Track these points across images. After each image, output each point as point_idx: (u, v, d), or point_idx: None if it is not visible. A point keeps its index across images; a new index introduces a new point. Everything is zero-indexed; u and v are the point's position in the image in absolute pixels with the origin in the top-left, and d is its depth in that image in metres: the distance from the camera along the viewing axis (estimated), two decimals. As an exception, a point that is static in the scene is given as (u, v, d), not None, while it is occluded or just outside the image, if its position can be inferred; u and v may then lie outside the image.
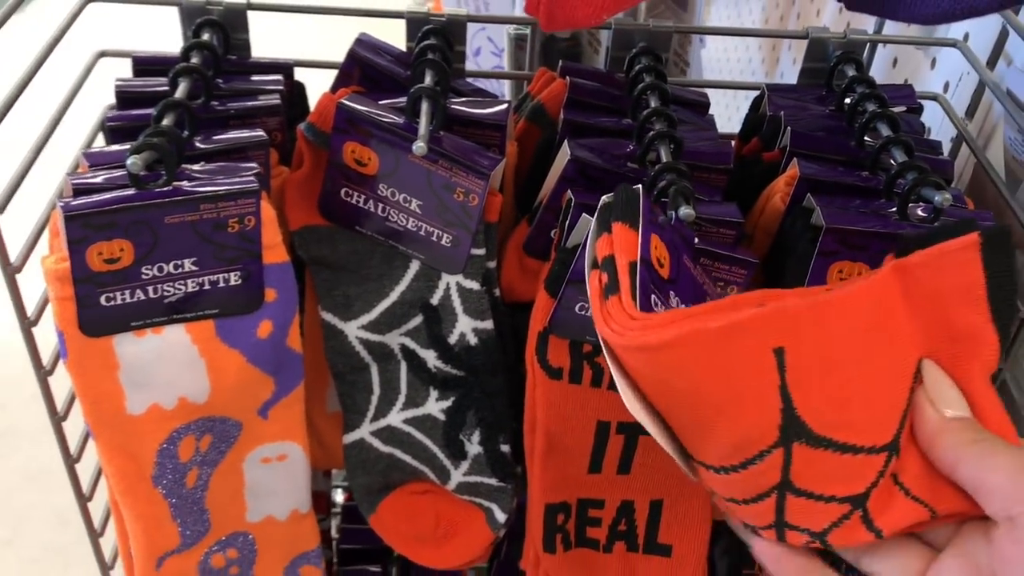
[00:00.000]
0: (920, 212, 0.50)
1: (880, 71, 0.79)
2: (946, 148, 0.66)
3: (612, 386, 0.54)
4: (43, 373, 0.56)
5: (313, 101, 0.58)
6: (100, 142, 0.57)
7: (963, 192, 0.59)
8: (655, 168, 0.50)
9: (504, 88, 1.09)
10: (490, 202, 0.53)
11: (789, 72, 1.02)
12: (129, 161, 0.46)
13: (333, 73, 0.60)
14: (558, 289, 0.52)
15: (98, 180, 0.49)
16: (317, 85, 0.61)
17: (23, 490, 1.54)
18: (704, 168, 0.54)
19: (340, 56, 0.59)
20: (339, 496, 0.89)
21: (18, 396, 1.68)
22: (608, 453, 0.57)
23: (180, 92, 0.52)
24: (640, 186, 0.42)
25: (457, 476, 0.61)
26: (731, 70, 1.17)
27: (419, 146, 0.49)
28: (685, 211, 0.46)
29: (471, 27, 0.61)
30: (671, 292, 0.46)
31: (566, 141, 0.53)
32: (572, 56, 0.62)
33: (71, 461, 0.61)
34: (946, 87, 0.71)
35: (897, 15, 0.44)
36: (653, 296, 0.47)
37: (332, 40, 0.63)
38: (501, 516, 0.61)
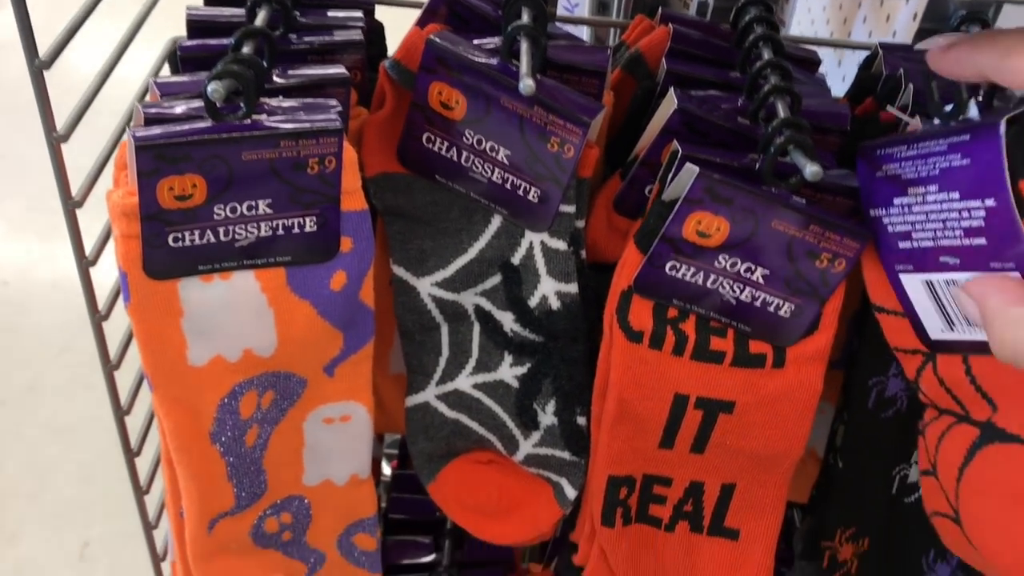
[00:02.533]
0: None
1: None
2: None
3: (695, 356, 0.50)
4: (98, 318, 0.53)
5: (392, 43, 0.54)
6: (166, 74, 0.54)
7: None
8: (772, 124, 0.46)
9: (583, 35, 1.04)
10: (586, 155, 0.50)
11: (860, 34, 0.98)
12: (210, 88, 0.42)
13: (414, 16, 0.56)
14: (649, 244, 0.48)
15: (171, 110, 0.45)
16: (396, 26, 0.57)
17: (48, 445, 1.53)
18: (818, 129, 0.50)
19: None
20: (386, 468, 0.85)
21: (45, 352, 1.66)
22: (683, 429, 0.53)
23: (259, 21, 0.48)
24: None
25: (527, 447, 0.57)
26: (822, 31, 1.13)
27: (527, 84, 0.45)
28: (812, 169, 0.42)
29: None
30: (720, 256, 0.48)
31: (672, 90, 0.49)
32: (661, 7, 0.58)
33: (120, 414, 0.57)
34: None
35: None
36: (673, 263, 0.48)
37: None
38: (571, 492, 0.58)
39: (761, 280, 0.49)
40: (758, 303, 0.50)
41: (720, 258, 0.48)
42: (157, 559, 0.66)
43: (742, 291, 0.49)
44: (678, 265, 0.48)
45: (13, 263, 1.80)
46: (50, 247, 1.80)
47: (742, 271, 0.49)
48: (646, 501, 0.57)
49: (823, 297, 0.49)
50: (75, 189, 0.48)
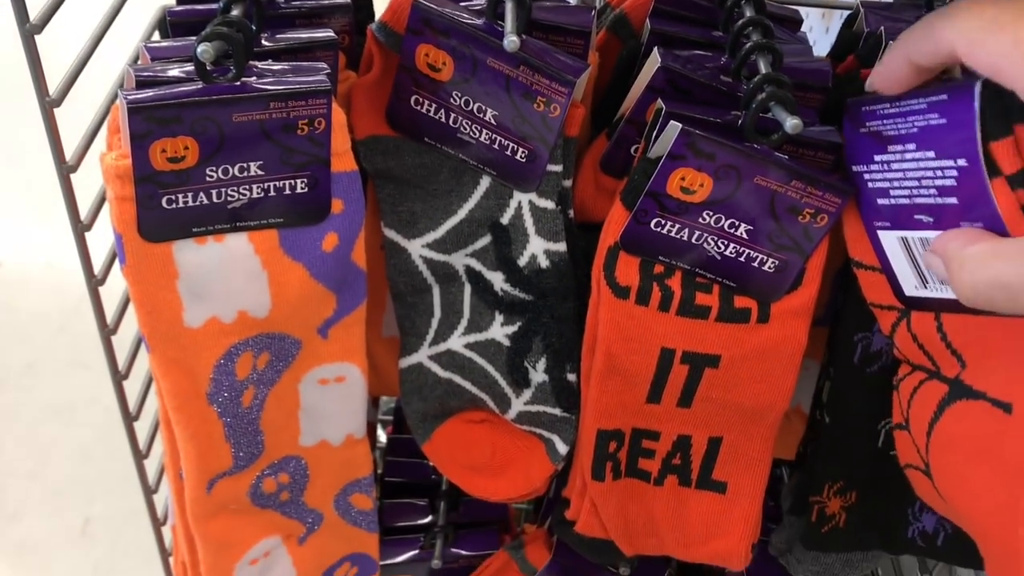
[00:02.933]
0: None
1: None
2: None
3: (681, 312, 0.51)
4: (94, 283, 0.53)
5: (380, 7, 0.55)
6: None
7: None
8: (753, 80, 0.47)
9: None
10: (572, 114, 0.50)
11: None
12: (199, 49, 0.43)
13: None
14: (635, 201, 0.49)
15: (162, 73, 0.46)
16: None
17: (47, 424, 1.53)
18: (800, 87, 0.51)
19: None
20: (381, 435, 0.86)
21: (43, 331, 1.66)
22: (670, 383, 0.54)
23: (247, -15, 0.49)
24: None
25: (518, 405, 0.58)
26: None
27: (511, 40, 0.45)
28: (792, 122, 0.43)
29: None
30: (704, 212, 0.49)
31: (656, 49, 0.50)
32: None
33: (119, 378, 0.58)
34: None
35: None
36: (658, 219, 0.49)
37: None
38: (562, 448, 0.59)
39: (745, 236, 0.50)
40: (743, 259, 0.50)
41: (704, 214, 0.49)
42: (158, 524, 0.68)
43: (727, 247, 0.50)
44: (663, 221, 0.49)
45: (9, 243, 1.80)
46: (46, 228, 1.80)
47: (726, 227, 0.49)
48: (635, 455, 0.58)
49: (806, 252, 0.50)
50: (69, 157, 0.49)
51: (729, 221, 0.49)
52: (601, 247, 0.51)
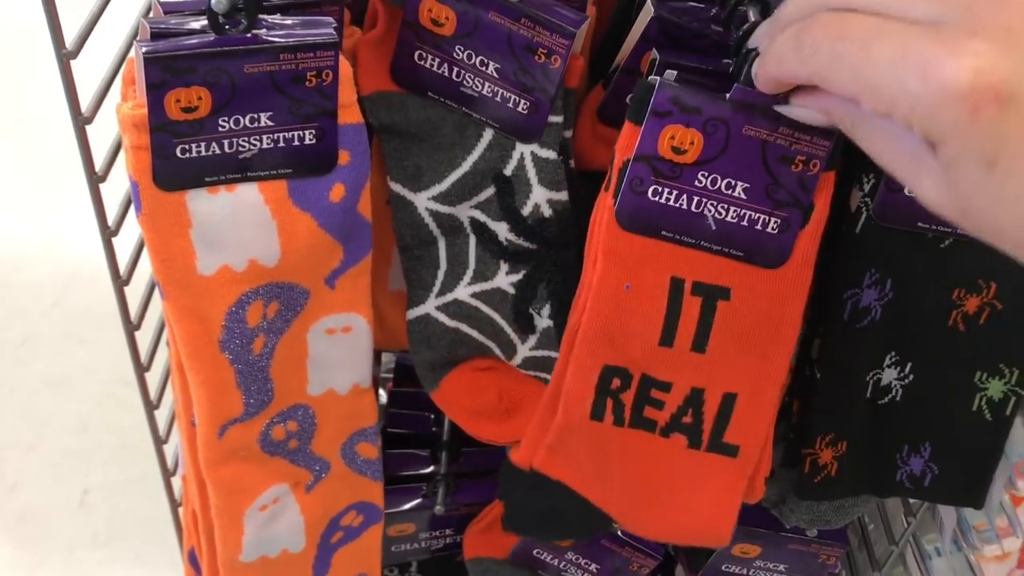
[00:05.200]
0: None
1: None
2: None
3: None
4: (108, 233, 0.55)
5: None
6: None
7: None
8: (742, 28, 0.48)
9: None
10: (572, 65, 0.52)
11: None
12: (213, 1, 0.44)
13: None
14: (642, 114, 0.49)
15: (174, 25, 0.47)
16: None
17: (44, 396, 1.54)
18: (792, 35, 0.52)
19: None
20: (382, 393, 0.88)
21: (39, 304, 1.67)
22: (683, 320, 0.53)
23: (255, -60, 0.50)
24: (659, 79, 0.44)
25: (524, 351, 0.60)
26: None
27: (514, -9, 0.47)
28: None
29: None
30: (699, 172, 0.49)
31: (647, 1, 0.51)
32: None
33: (131, 328, 0.60)
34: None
35: None
36: (655, 186, 0.49)
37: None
38: (565, 393, 0.60)
39: (743, 196, 0.50)
40: (745, 222, 0.51)
41: (699, 175, 0.50)
42: (168, 473, 0.69)
43: (727, 211, 0.50)
44: (660, 188, 0.50)
45: (6, 219, 1.80)
46: (41, 203, 1.80)
47: (723, 188, 0.50)
48: (642, 403, 0.57)
49: (805, 205, 0.51)
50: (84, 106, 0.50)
51: (725, 181, 0.50)
52: (617, 163, 0.51)
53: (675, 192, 0.50)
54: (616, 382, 0.56)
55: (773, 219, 0.51)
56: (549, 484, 0.61)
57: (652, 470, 0.59)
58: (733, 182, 0.50)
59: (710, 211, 0.51)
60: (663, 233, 0.51)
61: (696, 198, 0.50)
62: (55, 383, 1.57)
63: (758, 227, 0.51)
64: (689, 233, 0.51)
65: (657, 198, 0.50)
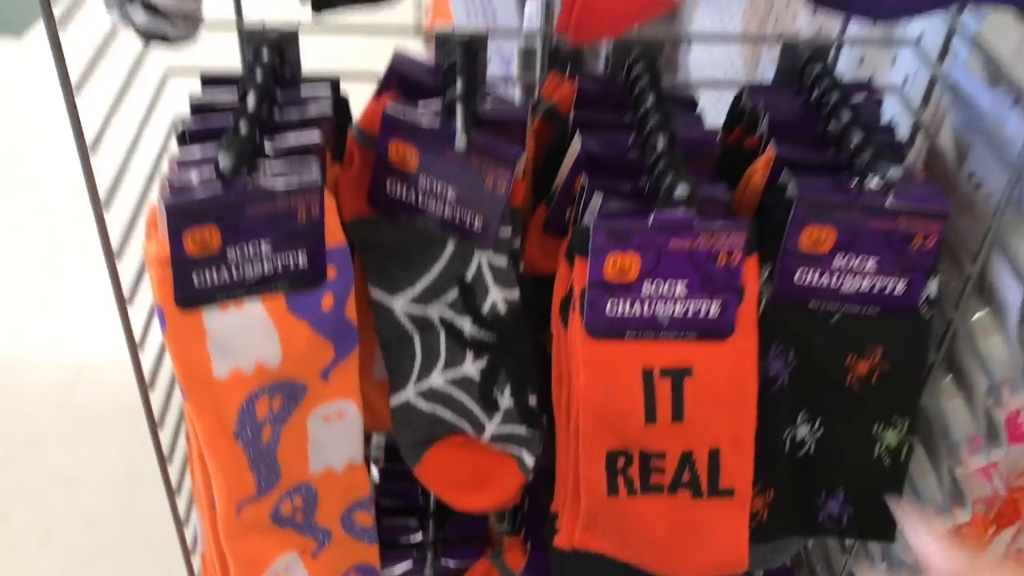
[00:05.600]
0: (875, 184, 0.60)
1: (849, 70, 0.89)
2: (906, 133, 0.76)
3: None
4: (133, 347, 0.65)
5: (353, 108, 0.67)
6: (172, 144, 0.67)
7: (917, 168, 0.69)
8: (653, 155, 0.60)
9: (515, 92, 1.19)
10: (515, 188, 0.63)
11: (770, 72, 1.12)
12: (221, 162, 0.56)
13: (367, 86, 0.70)
14: (572, 261, 0.61)
15: (188, 178, 0.58)
16: (356, 95, 0.71)
17: (53, 495, 1.61)
18: (694, 154, 0.64)
19: (377, 70, 0.69)
20: (374, 470, 0.98)
21: (43, 407, 1.74)
22: (659, 400, 0.62)
23: (250, 103, 0.62)
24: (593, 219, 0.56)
25: (491, 428, 0.71)
26: (716, 71, 1.27)
27: (460, 142, 0.59)
28: (681, 190, 0.56)
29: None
30: (643, 284, 0.60)
31: (578, 132, 0.63)
32: (575, 62, 0.71)
33: (154, 426, 0.70)
34: (905, 80, 0.81)
35: (854, 9, 0.54)
36: (611, 302, 0.60)
37: (372, 56, 0.72)
38: (530, 461, 0.71)
39: (684, 292, 0.61)
40: (690, 313, 0.62)
41: (644, 285, 0.60)
42: (187, 551, 0.79)
43: (674, 307, 0.61)
44: (615, 303, 0.60)
45: (8, 323, 1.88)
46: (45, 305, 1.89)
47: (665, 291, 0.61)
48: (647, 473, 0.66)
49: (737, 287, 0.61)
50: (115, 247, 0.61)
51: (666, 285, 0.60)
52: (555, 298, 0.63)
53: (628, 303, 0.61)
54: (620, 462, 0.66)
55: (713, 304, 0.61)
56: (592, 557, 0.70)
57: (670, 524, 0.68)
58: (673, 283, 0.60)
59: (660, 311, 0.61)
60: (627, 335, 0.62)
61: (646, 303, 0.61)
62: (63, 482, 1.64)
63: (702, 314, 0.62)
64: (647, 330, 0.62)
65: (615, 311, 0.61)
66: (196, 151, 0.62)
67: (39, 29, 0.60)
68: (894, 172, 0.59)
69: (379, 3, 0.65)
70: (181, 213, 0.57)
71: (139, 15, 0.49)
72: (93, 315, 1.75)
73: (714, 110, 0.81)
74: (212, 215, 0.58)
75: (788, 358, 0.66)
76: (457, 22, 1.03)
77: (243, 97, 0.63)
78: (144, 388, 0.68)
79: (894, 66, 0.84)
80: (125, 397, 0.69)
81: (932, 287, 0.63)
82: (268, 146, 0.62)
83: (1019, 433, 0.71)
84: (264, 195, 0.58)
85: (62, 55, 0.56)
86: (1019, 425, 0.69)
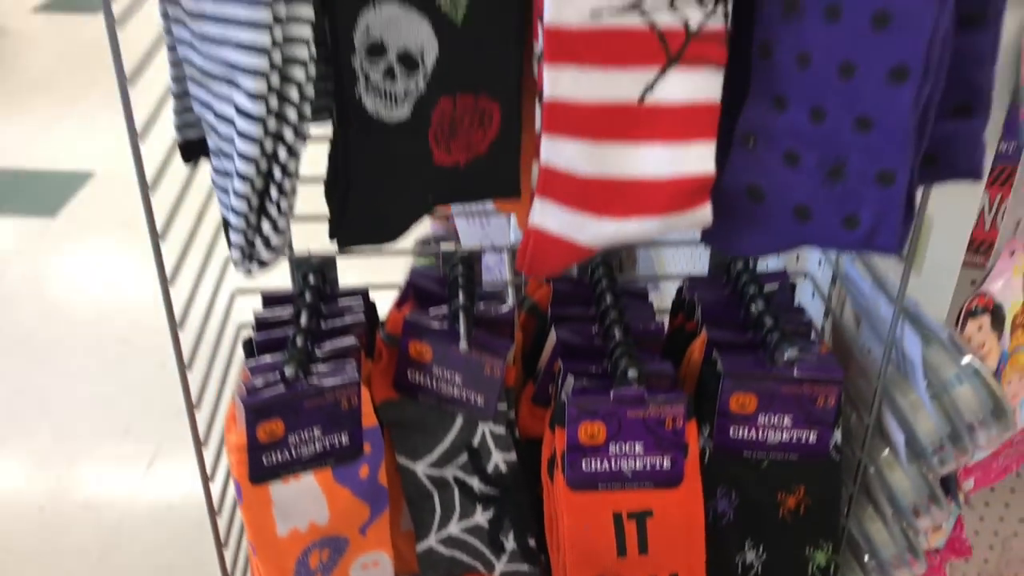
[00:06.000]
0: (785, 358, 0.78)
1: (772, 258, 1.07)
2: (822, 308, 0.94)
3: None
4: (213, 516, 0.82)
5: (381, 306, 0.86)
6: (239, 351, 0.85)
7: (825, 339, 0.88)
8: (611, 344, 0.78)
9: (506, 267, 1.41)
10: (508, 372, 0.81)
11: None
12: (287, 371, 0.74)
13: (390, 291, 0.89)
14: (553, 428, 0.79)
15: (257, 382, 0.76)
16: (381, 298, 0.90)
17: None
18: (645, 339, 0.82)
19: (394, 280, 0.88)
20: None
21: (83, 570, 1.83)
22: (627, 537, 0.79)
23: (303, 321, 0.81)
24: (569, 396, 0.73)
25: (500, 566, 0.87)
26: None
27: (463, 345, 0.77)
28: (632, 373, 0.74)
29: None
30: (610, 446, 0.76)
31: (552, 327, 0.82)
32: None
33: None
34: (820, 263, 1.00)
35: (730, 249, 0.72)
36: (585, 461, 0.76)
37: (384, 271, 0.90)
38: (533, 593, 0.87)
39: (641, 451, 0.78)
40: (648, 467, 0.78)
41: (610, 447, 0.77)
42: None
43: (635, 463, 0.78)
44: (588, 462, 0.78)
45: (45, 489, 1.99)
46: (80, 471, 2.00)
47: (627, 450, 0.78)
48: None
49: (682, 445, 0.78)
50: (195, 397, 0.79)
51: (628, 446, 0.77)
52: (543, 459, 0.81)
53: (599, 461, 0.78)
54: None
55: (665, 459, 0.78)
56: None
57: None
58: (632, 444, 0.78)
59: (624, 466, 0.78)
60: (599, 486, 0.78)
61: (612, 461, 0.78)
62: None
63: (657, 467, 0.79)
64: (615, 482, 0.79)
65: (589, 468, 0.78)
66: (265, 359, 0.80)
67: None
68: (797, 350, 0.77)
69: (391, 240, 0.85)
70: (255, 410, 0.75)
71: (265, 254, 0.67)
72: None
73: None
74: (278, 410, 0.75)
75: (732, 498, 0.83)
76: (461, 234, 1.25)
77: (297, 315, 0.82)
78: (220, 548, 0.85)
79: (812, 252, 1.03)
80: (200, 551, 0.83)
81: (837, 435, 0.80)
82: (318, 352, 0.81)
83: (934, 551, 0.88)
84: (316, 392, 0.76)
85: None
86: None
